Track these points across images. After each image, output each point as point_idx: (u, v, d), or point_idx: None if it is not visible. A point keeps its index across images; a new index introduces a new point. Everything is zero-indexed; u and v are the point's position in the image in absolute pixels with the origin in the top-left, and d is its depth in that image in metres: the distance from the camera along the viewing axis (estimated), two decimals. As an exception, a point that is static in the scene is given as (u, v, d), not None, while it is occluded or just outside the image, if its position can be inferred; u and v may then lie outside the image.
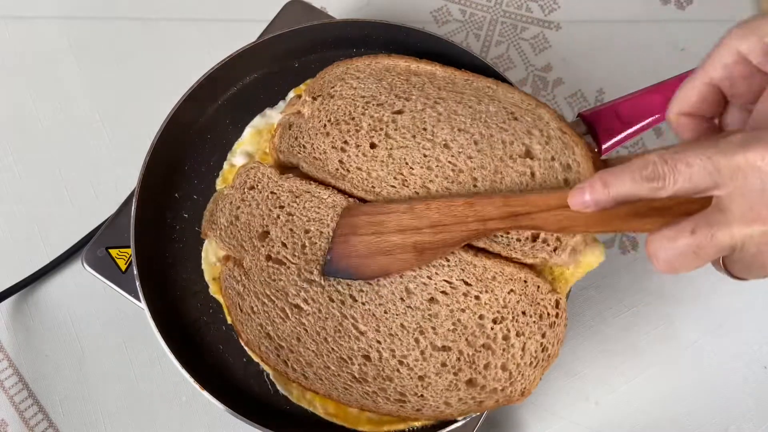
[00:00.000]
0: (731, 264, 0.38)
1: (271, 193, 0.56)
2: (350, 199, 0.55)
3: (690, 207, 0.39)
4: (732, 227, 0.36)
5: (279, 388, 0.55)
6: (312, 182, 0.56)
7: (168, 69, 0.74)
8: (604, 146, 0.58)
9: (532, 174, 0.52)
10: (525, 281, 0.51)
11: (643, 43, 0.76)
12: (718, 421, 0.65)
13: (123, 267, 0.60)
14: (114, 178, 0.70)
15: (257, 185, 0.56)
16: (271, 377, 0.56)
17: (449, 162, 0.54)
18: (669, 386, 0.66)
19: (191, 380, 0.53)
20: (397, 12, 0.77)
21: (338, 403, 0.52)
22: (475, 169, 0.53)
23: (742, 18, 0.42)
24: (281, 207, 0.55)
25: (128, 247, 0.60)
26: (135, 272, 0.56)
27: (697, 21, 0.77)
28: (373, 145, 0.56)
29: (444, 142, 0.55)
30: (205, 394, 0.53)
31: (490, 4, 0.77)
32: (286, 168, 0.58)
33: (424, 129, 0.56)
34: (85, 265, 0.61)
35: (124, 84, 0.74)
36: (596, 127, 0.58)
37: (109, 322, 0.66)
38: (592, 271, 0.68)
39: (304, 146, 0.57)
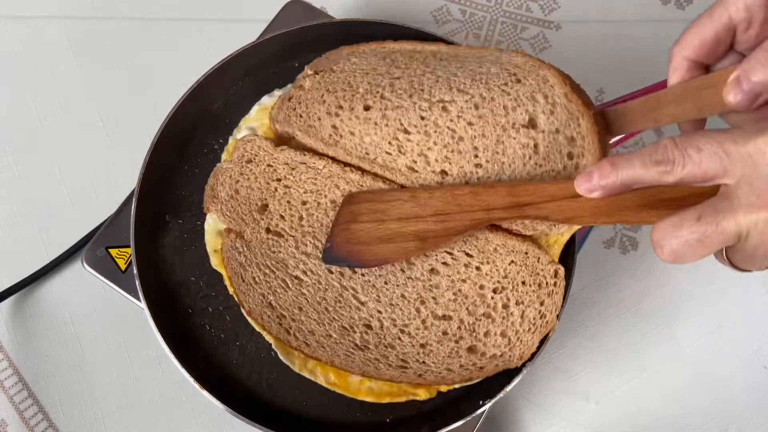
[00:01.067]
0: (734, 254, 0.38)
1: (268, 165, 0.56)
2: (346, 168, 0.54)
3: (699, 199, 0.38)
4: (738, 215, 0.35)
5: (281, 357, 0.54)
6: (306, 153, 0.55)
7: (168, 69, 0.74)
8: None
9: (536, 146, 0.51)
10: (526, 253, 0.51)
11: (643, 43, 0.76)
12: (718, 421, 0.65)
13: (123, 267, 0.60)
14: (114, 178, 0.70)
15: (254, 158, 0.56)
16: (273, 347, 0.55)
17: (448, 128, 0.52)
18: (669, 386, 0.66)
19: (191, 380, 0.53)
20: (397, 12, 0.77)
21: (340, 369, 0.52)
22: (475, 137, 0.52)
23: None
24: (278, 180, 0.55)
25: (128, 246, 0.60)
26: (135, 272, 0.56)
27: (697, 21, 0.77)
28: (367, 107, 0.55)
29: (442, 104, 0.52)
30: (205, 393, 0.53)
31: (490, 4, 0.77)
32: (281, 140, 0.58)
33: (422, 90, 0.54)
34: (85, 265, 0.61)
35: (124, 84, 0.74)
36: (596, 126, 0.58)
37: (109, 322, 0.66)
38: (593, 271, 0.68)
39: (300, 115, 0.56)
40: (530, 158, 0.51)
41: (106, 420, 0.64)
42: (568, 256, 0.54)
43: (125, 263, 0.61)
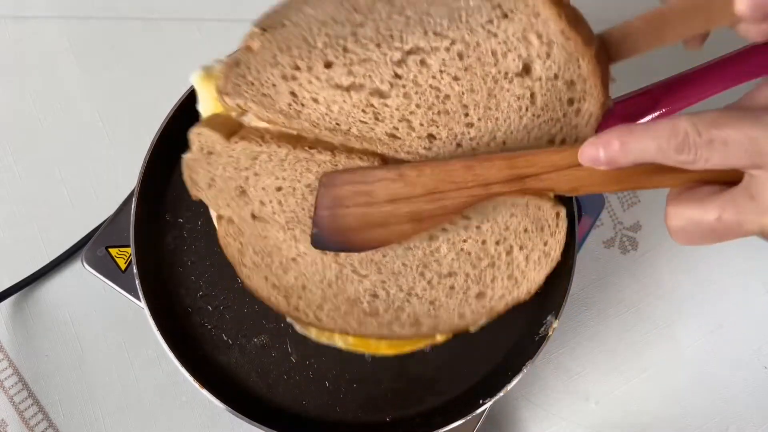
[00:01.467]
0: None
1: (229, 157, 0.51)
2: (312, 150, 0.48)
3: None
4: (763, 218, 0.34)
5: (297, 329, 0.54)
6: (263, 143, 0.49)
7: (168, 69, 0.74)
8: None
9: (532, 96, 0.45)
10: (526, 205, 0.49)
11: (643, 43, 0.76)
12: (718, 421, 0.65)
13: (123, 266, 0.60)
14: (114, 178, 0.70)
15: (213, 150, 0.51)
16: (287, 320, 0.55)
17: (431, 86, 0.45)
18: (669, 386, 0.66)
19: (191, 379, 0.53)
20: (397, 12, 0.77)
21: (355, 336, 0.52)
22: (463, 93, 0.45)
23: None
24: (246, 168, 0.50)
25: (128, 246, 0.60)
26: (135, 271, 0.56)
27: (696, 21, 0.77)
28: (328, 64, 0.46)
29: (419, 56, 0.45)
30: (205, 393, 0.53)
31: (490, 4, 0.77)
32: (233, 124, 0.51)
33: (391, 37, 0.45)
34: (85, 264, 0.61)
35: (124, 84, 0.74)
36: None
37: (109, 322, 0.66)
38: (593, 271, 0.68)
39: (251, 83, 0.47)
40: (527, 110, 0.45)
41: (106, 420, 0.64)
42: (568, 257, 0.54)
43: (125, 263, 0.61)
